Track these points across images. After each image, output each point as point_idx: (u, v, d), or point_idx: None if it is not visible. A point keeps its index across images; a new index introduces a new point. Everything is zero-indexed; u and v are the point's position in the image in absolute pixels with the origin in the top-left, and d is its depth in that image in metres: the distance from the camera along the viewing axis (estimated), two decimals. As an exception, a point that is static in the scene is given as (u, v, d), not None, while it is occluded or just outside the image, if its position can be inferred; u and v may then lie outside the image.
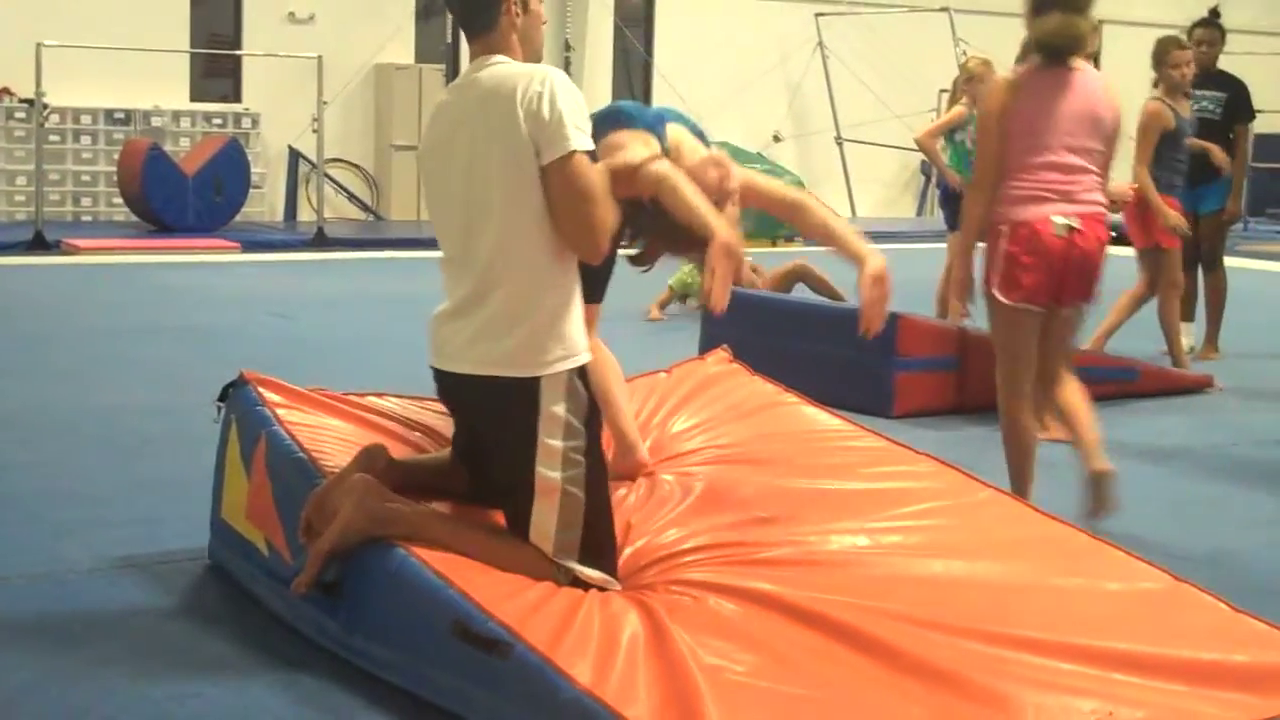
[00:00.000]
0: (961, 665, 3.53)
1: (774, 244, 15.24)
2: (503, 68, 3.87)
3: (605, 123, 4.26)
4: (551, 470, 3.82)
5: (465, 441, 4.09)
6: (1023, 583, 4.06)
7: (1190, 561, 4.55)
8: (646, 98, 20.06)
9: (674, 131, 4.38)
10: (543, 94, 3.75)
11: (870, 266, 4.26)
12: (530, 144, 3.76)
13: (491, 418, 3.90)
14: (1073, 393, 5.49)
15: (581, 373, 3.90)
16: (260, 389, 4.47)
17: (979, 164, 5.43)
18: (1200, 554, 4.99)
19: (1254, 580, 4.73)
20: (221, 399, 4.59)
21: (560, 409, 3.83)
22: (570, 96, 3.78)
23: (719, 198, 4.19)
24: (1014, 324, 5.36)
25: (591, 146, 3.81)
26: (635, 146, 4.17)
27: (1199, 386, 8.39)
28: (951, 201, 9.81)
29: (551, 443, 3.82)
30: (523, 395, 3.81)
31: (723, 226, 3.93)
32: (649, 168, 4.01)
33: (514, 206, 3.80)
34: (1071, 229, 5.16)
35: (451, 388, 4.00)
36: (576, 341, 3.89)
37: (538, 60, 3.99)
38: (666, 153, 4.22)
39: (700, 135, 4.49)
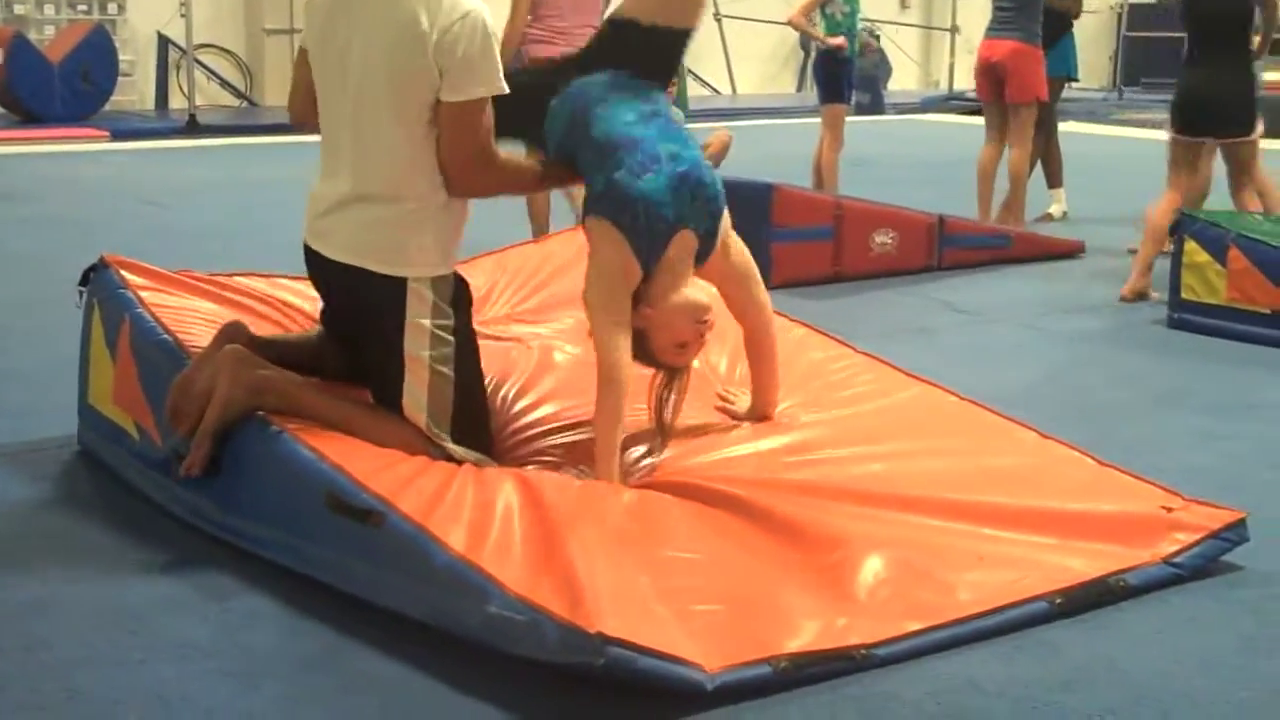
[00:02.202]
0: (836, 528, 3.59)
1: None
2: None
3: (621, 205, 3.84)
4: (419, 349, 3.81)
5: (333, 319, 4.07)
6: (892, 442, 4.12)
7: (1059, 420, 4.63)
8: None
9: (676, 247, 3.92)
10: (473, 32, 3.71)
11: (755, 410, 4.26)
12: (433, 70, 3.71)
13: (358, 300, 3.88)
14: None
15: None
16: (122, 272, 4.39)
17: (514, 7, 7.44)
18: (1069, 414, 5.08)
19: (1121, 437, 4.82)
20: (83, 284, 4.51)
21: (428, 292, 3.82)
22: (491, 40, 3.75)
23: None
24: None
25: (503, 89, 3.77)
26: (598, 297, 3.88)
27: (1071, 252, 8.52)
28: (824, 75, 9.84)
29: (420, 322, 3.81)
30: (390, 285, 3.81)
31: (611, 476, 3.83)
32: (600, 335, 3.85)
33: (403, 114, 3.77)
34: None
35: (320, 266, 3.96)
36: (448, 251, 3.90)
37: None
38: (648, 276, 3.89)
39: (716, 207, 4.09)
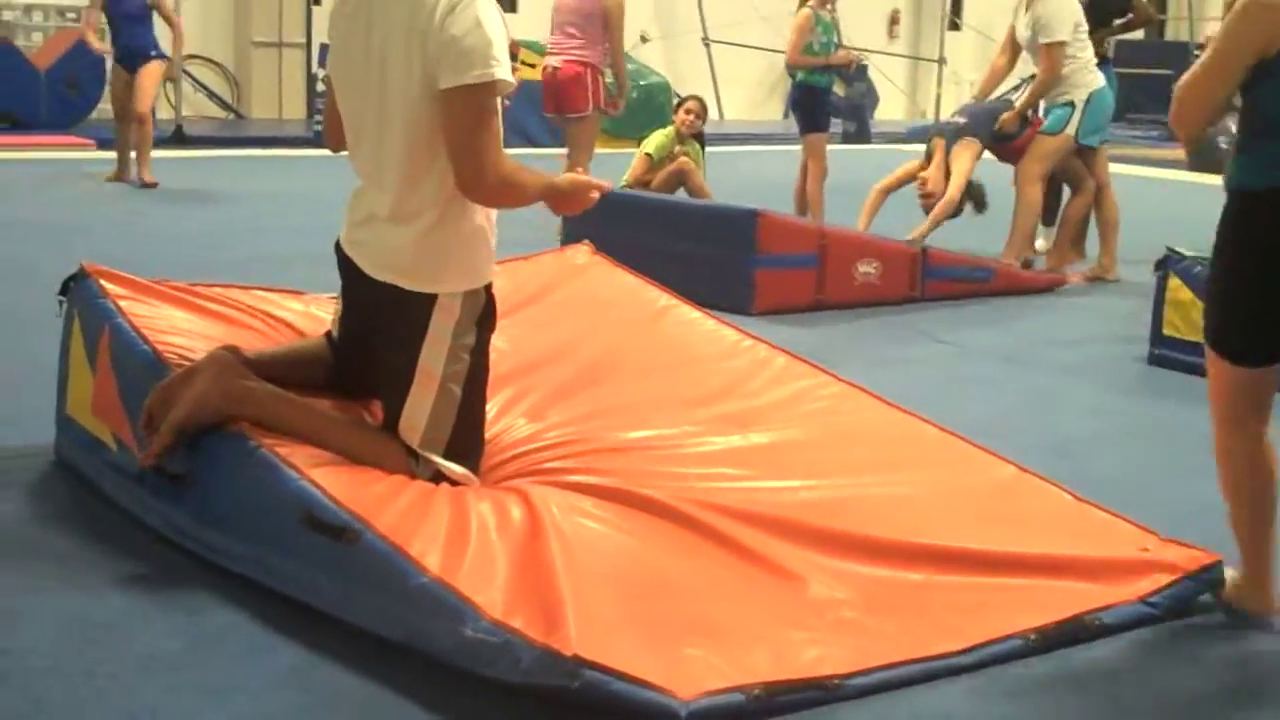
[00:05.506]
0: (811, 561, 3.61)
1: (639, 144, 15.15)
2: None
3: None
4: (435, 363, 3.79)
5: (351, 323, 4.02)
6: (872, 473, 4.11)
7: (1035, 453, 4.64)
8: (513, -3, 19.81)
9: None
10: (464, 17, 3.62)
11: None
12: (433, 70, 3.64)
13: (386, 311, 3.85)
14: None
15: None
16: (102, 281, 4.36)
17: None
18: (1045, 447, 5.09)
19: (1096, 472, 4.83)
20: (63, 293, 4.48)
21: (457, 306, 3.80)
22: (484, 28, 3.64)
23: None
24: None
25: (494, 76, 3.65)
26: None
27: (1051, 286, 8.54)
28: (803, 106, 9.93)
29: (442, 336, 3.79)
30: (421, 300, 3.79)
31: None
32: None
33: (419, 128, 3.71)
34: (555, 69, 9.22)
35: (351, 273, 3.94)
36: (481, 265, 3.86)
37: None
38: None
39: None
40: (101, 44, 11.37)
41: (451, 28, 3.62)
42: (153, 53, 11.49)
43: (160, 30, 11.67)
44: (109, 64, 12.62)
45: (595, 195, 3.98)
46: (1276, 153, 3.48)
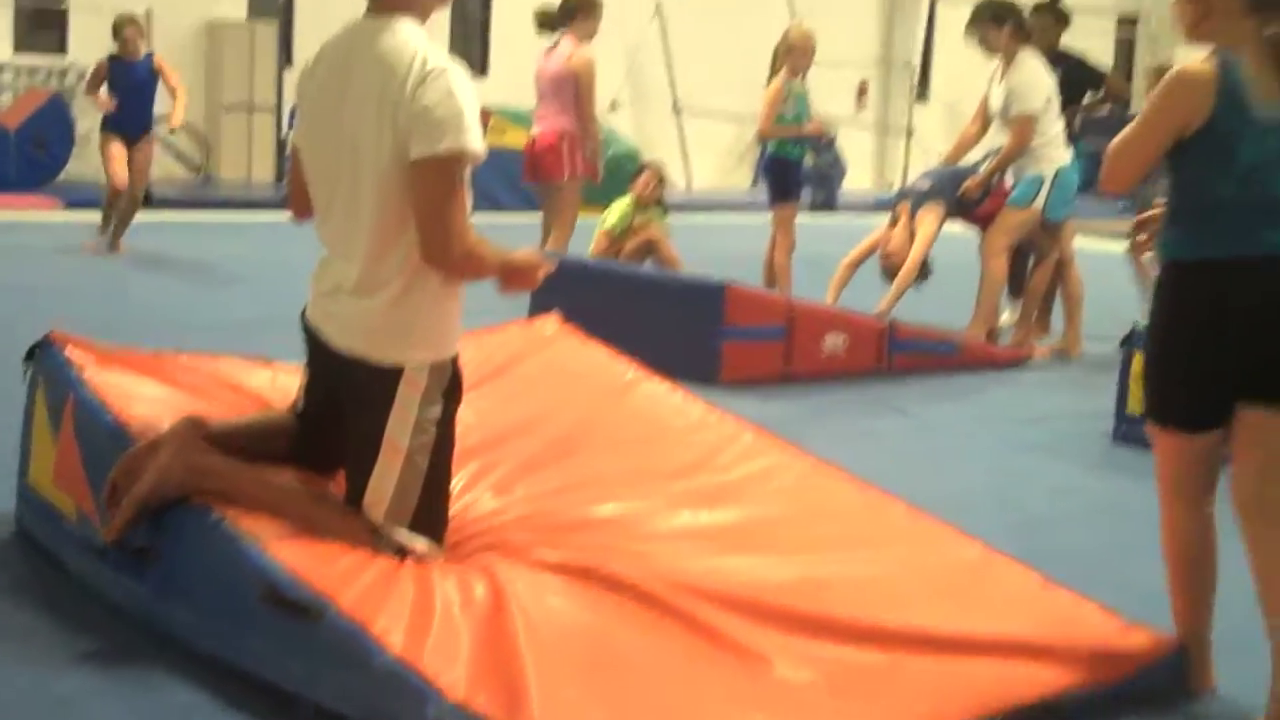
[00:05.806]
0: (774, 643, 3.58)
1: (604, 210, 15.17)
2: (402, 37, 3.71)
3: None
4: (401, 435, 3.76)
5: (316, 394, 3.99)
6: (838, 551, 4.10)
7: (1001, 528, 4.65)
8: (484, 58, 19.90)
9: None
10: (436, 87, 3.62)
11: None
12: (404, 138, 3.64)
13: (352, 383, 3.83)
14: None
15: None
16: (68, 349, 4.33)
17: None
18: (1008, 524, 5.10)
19: (1059, 550, 4.83)
20: (28, 359, 4.45)
21: (423, 378, 3.78)
22: (456, 99, 3.64)
23: None
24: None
25: (464, 147, 3.65)
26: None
27: (1017, 360, 8.58)
28: (774, 176, 9.96)
29: (408, 409, 3.77)
30: (387, 372, 3.76)
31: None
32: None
33: (388, 191, 3.70)
34: (534, 138, 9.28)
35: (317, 344, 3.92)
36: (448, 336, 3.85)
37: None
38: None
39: None
40: (108, 100, 11.29)
41: (423, 98, 3.63)
42: (152, 127, 11.55)
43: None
44: (79, 128, 12.58)
45: (541, 275, 3.98)
46: (1200, 229, 3.63)
